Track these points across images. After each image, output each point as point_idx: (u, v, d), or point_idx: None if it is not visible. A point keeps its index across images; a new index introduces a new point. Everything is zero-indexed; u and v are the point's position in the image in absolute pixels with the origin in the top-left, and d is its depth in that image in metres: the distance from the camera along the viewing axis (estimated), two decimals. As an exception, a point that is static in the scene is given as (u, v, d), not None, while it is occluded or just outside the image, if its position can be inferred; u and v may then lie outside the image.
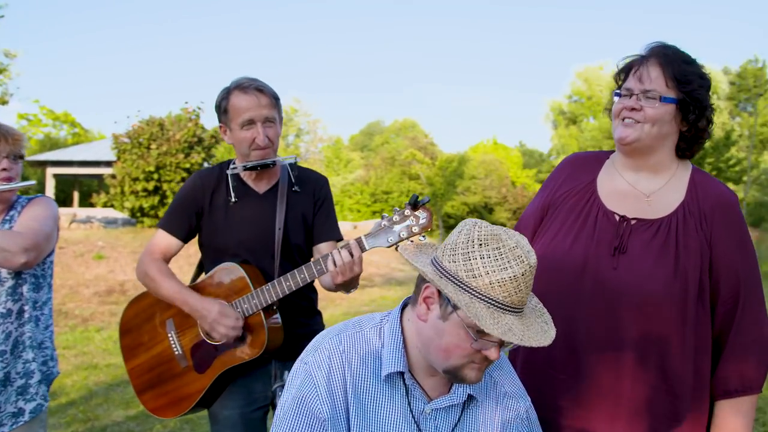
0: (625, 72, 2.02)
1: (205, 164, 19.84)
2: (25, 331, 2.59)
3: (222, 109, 2.57)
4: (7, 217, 2.60)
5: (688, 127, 1.97)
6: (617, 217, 1.98)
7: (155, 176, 18.32)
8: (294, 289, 2.42)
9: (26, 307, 2.59)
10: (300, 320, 2.65)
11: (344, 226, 29.08)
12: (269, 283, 2.44)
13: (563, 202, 2.10)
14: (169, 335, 2.63)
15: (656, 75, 1.92)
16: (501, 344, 1.51)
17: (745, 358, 1.89)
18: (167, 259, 2.64)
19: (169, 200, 18.07)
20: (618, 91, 2.01)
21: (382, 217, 2.22)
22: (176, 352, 2.61)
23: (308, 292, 2.70)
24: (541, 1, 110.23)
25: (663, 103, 1.91)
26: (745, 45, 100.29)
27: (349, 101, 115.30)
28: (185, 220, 2.63)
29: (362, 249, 2.27)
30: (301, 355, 1.71)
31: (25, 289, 2.58)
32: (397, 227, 2.22)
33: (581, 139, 61.60)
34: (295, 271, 2.41)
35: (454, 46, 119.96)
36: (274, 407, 2.59)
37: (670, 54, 1.96)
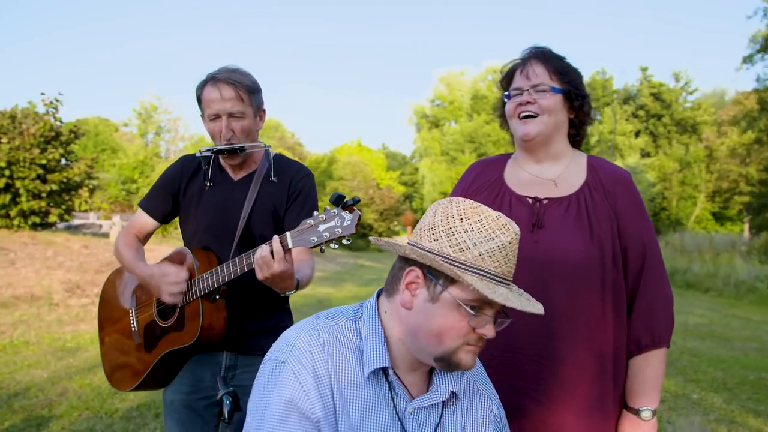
0: (507, 77, 2.21)
1: (63, 161, 18.61)
2: None
3: (197, 99, 2.58)
4: None
5: (575, 114, 2.18)
6: (530, 200, 2.13)
7: (6, 173, 16.89)
8: (233, 276, 2.29)
9: None
10: (254, 313, 2.56)
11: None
12: (212, 270, 2.36)
13: (476, 196, 2.18)
14: (130, 311, 2.69)
15: (541, 71, 2.12)
16: (494, 322, 1.49)
17: (653, 315, 2.06)
18: (143, 237, 2.71)
19: (23, 199, 17.01)
20: (507, 93, 2.18)
21: (312, 215, 2.08)
22: (133, 328, 2.66)
23: (269, 291, 2.59)
24: (404, 7, 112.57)
25: (552, 93, 2.10)
26: (593, 57, 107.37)
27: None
28: (162, 201, 2.68)
29: (284, 247, 2.10)
30: (272, 353, 1.57)
31: None
32: (322, 226, 2.05)
33: (443, 143, 63.48)
34: (238, 257, 2.30)
35: (318, 48, 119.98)
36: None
37: (547, 53, 2.18)
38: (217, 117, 2.47)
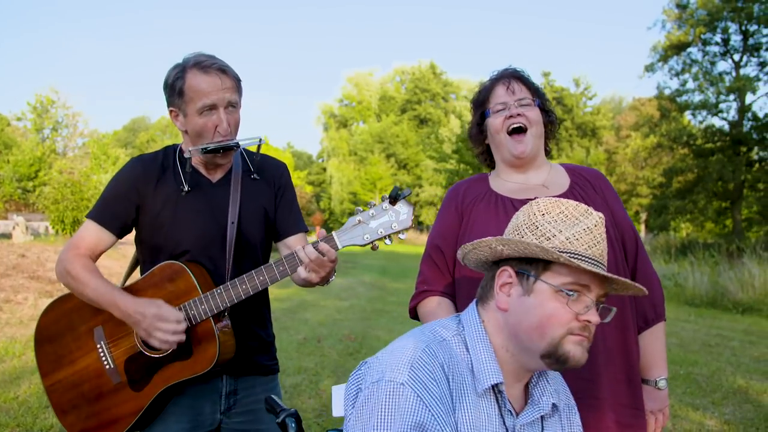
0: (484, 96, 2.30)
1: None
2: None
3: (176, 90, 2.17)
4: None
5: (546, 128, 2.32)
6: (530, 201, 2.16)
7: None
8: (251, 293, 2.10)
9: None
10: (255, 330, 2.36)
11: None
12: (221, 286, 2.12)
13: (473, 207, 2.24)
14: (98, 346, 2.23)
15: (520, 87, 2.25)
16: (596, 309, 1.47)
17: (653, 291, 2.22)
18: (94, 257, 2.25)
19: None
20: (487, 110, 2.27)
21: (356, 212, 2.00)
22: (107, 366, 2.22)
23: (261, 300, 2.38)
24: (310, 7, 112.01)
25: (536, 106, 2.24)
26: (497, 62, 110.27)
27: (112, 95, 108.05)
28: (122, 211, 2.25)
29: (334, 248, 2.03)
30: (380, 373, 1.42)
31: None
32: (374, 223, 1.99)
33: (352, 142, 63.69)
34: (253, 272, 2.11)
35: (223, 45, 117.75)
36: None
37: (519, 72, 2.32)
38: (212, 108, 2.15)
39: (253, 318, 2.34)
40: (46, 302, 10.98)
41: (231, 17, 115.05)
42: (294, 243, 2.35)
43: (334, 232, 2.02)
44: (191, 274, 2.14)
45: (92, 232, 2.24)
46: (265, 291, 2.37)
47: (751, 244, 18.94)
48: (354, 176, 57.04)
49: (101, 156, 38.77)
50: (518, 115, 2.19)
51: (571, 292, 1.42)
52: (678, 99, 29.70)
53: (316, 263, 2.00)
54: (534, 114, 2.21)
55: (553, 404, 1.59)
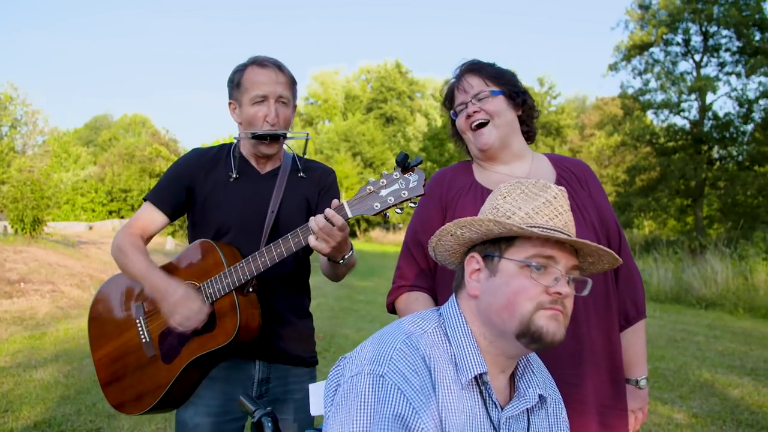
0: (449, 97, 2.30)
1: None
2: None
3: (235, 83, 2.39)
4: None
5: (521, 110, 2.25)
6: None
7: None
8: (269, 264, 2.16)
9: None
10: (285, 316, 2.43)
11: (78, 227, 26.60)
12: (243, 260, 2.20)
13: (458, 200, 2.20)
14: (137, 321, 2.37)
15: (476, 81, 2.21)
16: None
17: (635, 288, 2.23)
18: (146, 236, 2.43)
19: None
20: (453, 111, 2.27)
21: (368, 182, 2.00)
22: (144, 340, 2.34)
23: (302, 291, 2.52)
24: (277, 4, 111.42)
25: (493, 96, 2.18)
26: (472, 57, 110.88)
27: (73, 93, 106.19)
28: (175, 194, 2.43)
29: (344, 217, 2.03)
30: (360, 366, 1.41)
31: None
32: (384, 191, 1.98)
33: (318, 141, 63.37)
34: (272, 245, 2.17)
35: (188, 44, 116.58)
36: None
37: (476, 63, 2.27)
38: (263, 100, 2.32)
39: (290, 306, 2.44)
40: (4, 303, 10.73)
41: (197, 17, 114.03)
42: None
43: (344, 201, 2.03)
44: (219, 251, 2.24)
45: (146, 213, 2.42)
46: (306, 282, 2.53)
47: (712, 241, 19.32)
48: (320, 175, 56.79)
49: (62, 154, 38.06)
50: (475, 111, 2.18)
51: (537, 266, 1.41)
52: (641, 98, 30.17)
53: (325, 231, 2.01)
54: (492, 105, 2.17)
55: (540, 396, 1.56)
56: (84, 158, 41.55)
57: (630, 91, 30.94)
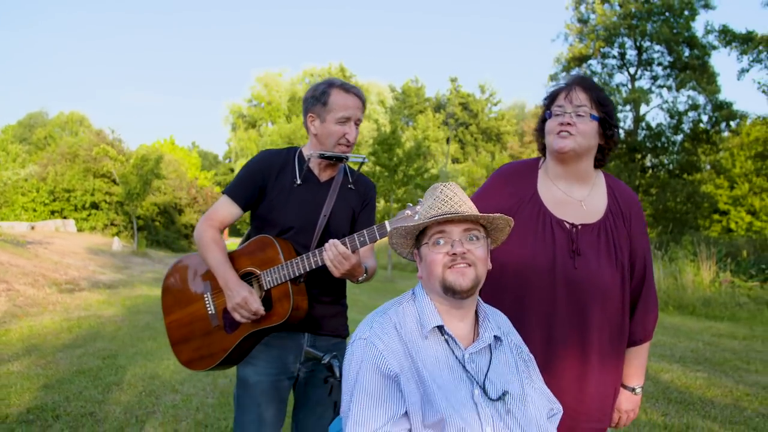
0: (551, 98, 2.46)
1: None
2: None
3: (321, 101, 2.77)
4: None
5: (605, 141, 2.46)
6: (567, 224, 2.42)
7: None
8: (321, 264, 2.59)
9: None
10: (329, 299, 2.90)
11: (20, 227, 25.92)
12: (298, 257, 2.64)
13: (517, 213, 2.43)
14: (205, 296, 2.85)
15: (584, 97, 2.37)
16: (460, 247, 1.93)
17: (648, 316, 2.51)
18: (223, 226, 2.86)
19: None
20: (549, 112, 2.43)
21: (407, 207, 2.43)
22: (210, 312, 2.83)
23: (340, 281, 2.91)
24: (222, 4, 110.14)
25: (591, 119, 2.36)
26: (406, 65, 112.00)
27: (5, 89, 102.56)
28: (249, 191, 2.82)
29: (384, 233, 2.47)
30: (355, 336, 1.97)
31: None
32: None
33: (261, 143, 62.99)
34: (323, 248, 2.59)
35: (127, 42, 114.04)
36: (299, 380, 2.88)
37: (590, 81, 2.44)
38: (347, 121, 2.76)
39: (332, 291, 2.89)
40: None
41: (137, 16, 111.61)
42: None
43: (386, 221, 2.48)
44: (278, 246, 2.68)
45: (224, 206, 2.83)
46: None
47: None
48: (263, 177, 56.19)
49: (0, 152, 37.12)
50: (569, 123, 2.34)
51: (436, 240, 1.93)
52: (579, 108, 31.06)
53: (337, 260, 2.52)
54: (586, 126, 2.34)
55: (495, 336, 2.00)
56: (23, 158, 40.46)
57: (569, 100, 31.82)
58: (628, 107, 29.68)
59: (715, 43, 26.31)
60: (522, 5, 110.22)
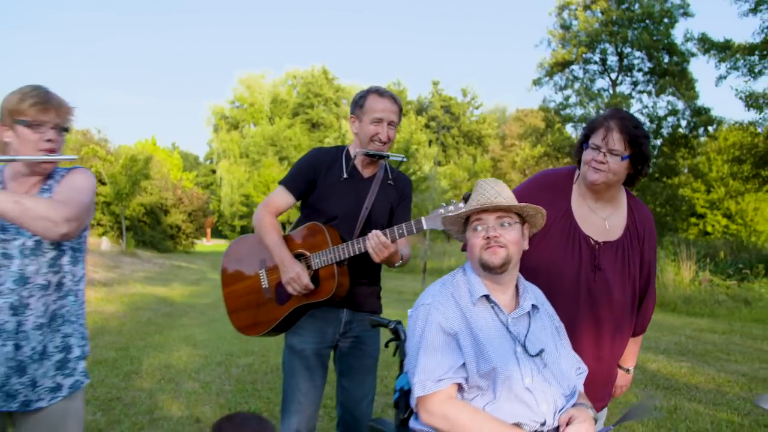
0: (589, 128, 2.70)
1: None
2: (65, 305, 2.51)
3: (359, 104, 3.16)
4: (45, 186, 2.49)
5: (634, 172, 2.71)
6: (592, 241, 2.76)
7: None
8: (363, 251, 2.94)
9: (65, 280, 2.51)
10: (367, 280, 3.27)
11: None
12: (344, 243, 3.01)
13: (552, 225, 2.72)
14: (260, 271, 3.23)
15: (618, 138, 2.58)
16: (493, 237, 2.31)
17: (646, 315, 2.96)
18: (278, 213, 3.22)
19: None
20: (587, 144, 2.68)
21: (442, 206, 2.73)
22: (264, 285, 3.21)
23: (377, 265, 3.22)
24: (205, 6, 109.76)
25: (623, 161, 2.61)
26: (388, 68, 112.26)
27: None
28: (302, 183, 3.20)
29: (420, 228, 2.80)
30: (418, 303, 2.37)
31: (65, 260, 2.50)
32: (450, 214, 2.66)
33: (243, 144, 62.87)
34: (364, 236, 2.95)
35: (108, 43, 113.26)
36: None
37: (626, 120, 2.62)
38: (380, 121, 3.10)
39: (368, 274, 3.25)
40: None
41: (119, 16, 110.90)
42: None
43: (422, 218, 2.78)
44: (326, 233, 3.06)
45: (281, 195, 3.21)
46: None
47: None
48: (246, 179, 56.24)
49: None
50: (601, 162, 2.60)
51: (476, 227, 2.33)
52: (561, 112, 31.58)
53: (378, 248, 2.87)
54: (616, 166, 2.59)
55: (533, 305, 2.37)
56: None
57: (551, 105, 32.21)
58: (609, 112, 29.79)
59: (694, 50, 26.63)
60: (502, 9, 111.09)
